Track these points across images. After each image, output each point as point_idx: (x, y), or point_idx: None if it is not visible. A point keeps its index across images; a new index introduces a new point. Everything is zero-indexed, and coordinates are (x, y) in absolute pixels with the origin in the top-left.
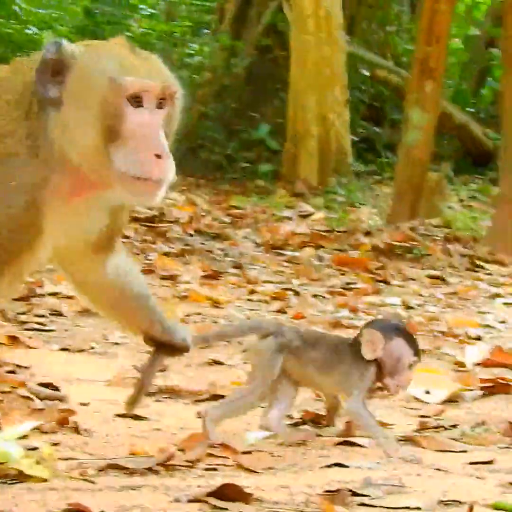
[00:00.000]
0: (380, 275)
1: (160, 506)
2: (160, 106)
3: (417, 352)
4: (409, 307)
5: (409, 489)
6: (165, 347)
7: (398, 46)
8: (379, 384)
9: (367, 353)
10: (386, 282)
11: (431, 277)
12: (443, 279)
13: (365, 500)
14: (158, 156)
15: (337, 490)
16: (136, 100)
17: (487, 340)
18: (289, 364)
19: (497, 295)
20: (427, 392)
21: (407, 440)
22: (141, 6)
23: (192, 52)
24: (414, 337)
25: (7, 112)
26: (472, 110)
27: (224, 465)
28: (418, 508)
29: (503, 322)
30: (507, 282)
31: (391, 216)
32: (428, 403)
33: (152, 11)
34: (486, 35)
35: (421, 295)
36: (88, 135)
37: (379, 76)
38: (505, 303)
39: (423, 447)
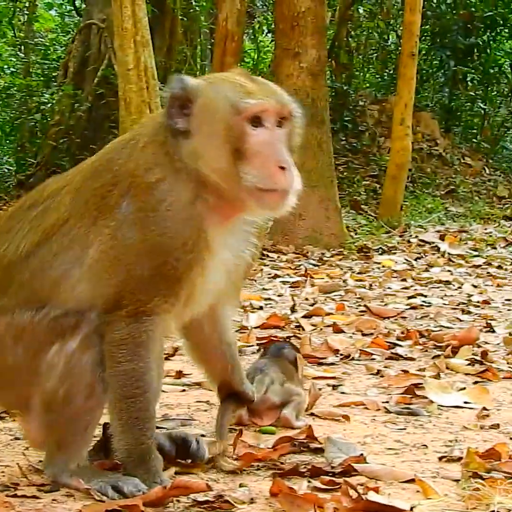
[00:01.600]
0: None
1: None
2: (279, 125)
3: None
4: None
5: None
6: (234, 397)
7: None
8: None
9: None
10: None
11: None
12: None
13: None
14: (282, 169)
15: None
16: (256, 121)
17: (267, 309)
18: None
19: (277, 276)
20: None
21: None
22: (5, 66)
23: (45, 100)
24: None
25: (148, 150)
26: None
27: None
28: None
29: (280, 295)
30: (285, 266)
31: None
32: None
33: (13, 69)
34: None
35: None
36: (218, 158)
37: None
38: (282, 281)
39: (211, 390)
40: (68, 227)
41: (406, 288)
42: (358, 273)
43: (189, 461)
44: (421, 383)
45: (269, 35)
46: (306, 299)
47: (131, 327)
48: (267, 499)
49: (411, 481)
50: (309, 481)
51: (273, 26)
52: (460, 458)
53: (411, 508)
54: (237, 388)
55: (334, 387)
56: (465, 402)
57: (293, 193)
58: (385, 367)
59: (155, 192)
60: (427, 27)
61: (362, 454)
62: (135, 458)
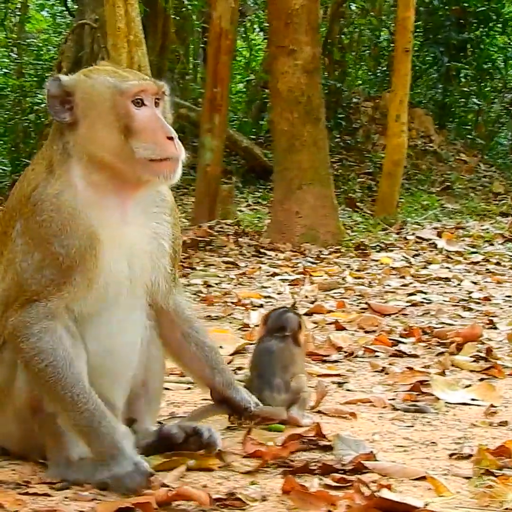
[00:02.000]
0: (187, 263)
1: None
2: (156, 104)
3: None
4: (209, 286)
5: None
6: (225, 404)
7: (195, 90)
8: None
9: None
10: (192, 268)
11: (226, 263)
12: (235, 264)
13: None
14: (170, 139)
15: None
16: (138, 100)
17: (268, 307)
18: None
19: (275, 274)
20: (220, 347)
21: None
22: None
23: (38, 100)
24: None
25: (31, 170)
26: (254, 137)
27: None
28: None
29: (279, 293)
30: (283, 264)
31: (194, 219)
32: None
33: (6, 70)
34: (260, 80)
35: (218, 276)
36: (109, 137)
37: (182, 113)
38: (281, 279)
39: None
40: None
41: (405, 285)
42: (357, 270)
43: (202, 451)
44: (427, 380)
45: (261, 33)
46: (306, 296)
47: (24, 313)
48: (279, 496)
49: (422, 478)
50: (320, 479)
51: (265, 24)
52: (470, 456)
53: (425, 505)
54: (224, 393)
55: (339, 384)
56: (472, 399)
57: (182, 160)
58: (390, 364)
59: (32, 199)
60: (419, 23)
61: (372, 452)
62: (84, 436)
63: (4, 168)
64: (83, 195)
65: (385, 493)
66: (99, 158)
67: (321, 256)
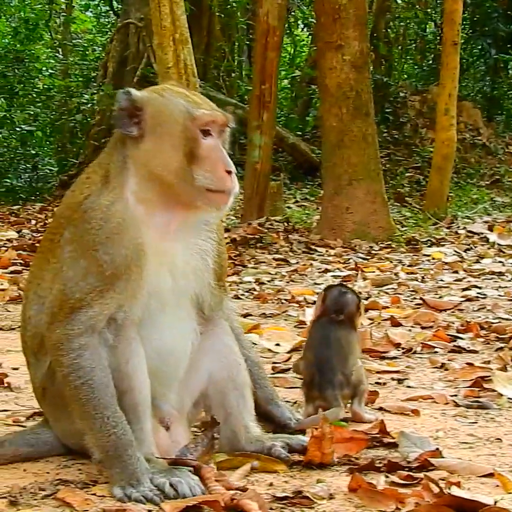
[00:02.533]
0: (238, 260)
1: None
2: (220, 134)
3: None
4: (261, 283)
5: None
6: (266, 418)
7: (241, 87)
8: None
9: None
10: (243, 265)
11: (276, 259)
12: (286, 261)
13: None
14: (229, 172)
15: None
16: (206, 129)
17: None
18: None
19: (327, 270)
20: (277, 345)
21: None
22: (43, 68)
23: (84, 100)
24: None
25: (85, 178)
26: (300, 133)
27: None
28: None
29: None
30: (334, 260)
31: (244, 216)
32: (278, 353)
33: (51, 71)
34: (306, 76)
35: (270, 273)
36: (172, 158)
37: (228, 111)
38: (333, 276)
39: (277, 386)
40: (33, 276)
41: (458, 280)
42: (409, 265)
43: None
44: (488, 376)
45: (305, 29)
46: (360, 292)
47: (67, 325)
48: (346, 494)
49: (490, 475)
50: (386, 476)
51: (310, 19)
52: None
53: (494, 503)
54: (264, 408)
55: (400, 381)
56: None
57: (235, 194)
58: (449, 360)
59: (83, 206)
60: (466, 15)
61: (437, 448)
62: (105, 458)
63: (51, 168)
64: (133, 209)
65: (455, 491)
66: (158, 176)
67: (372, 251)
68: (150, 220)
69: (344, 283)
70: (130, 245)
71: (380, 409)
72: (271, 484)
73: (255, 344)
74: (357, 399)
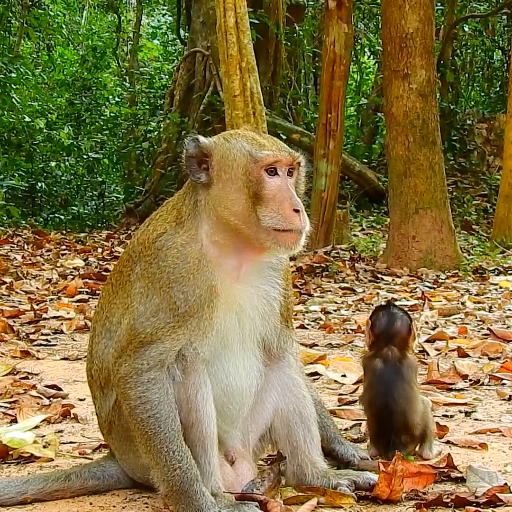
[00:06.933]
0: (304, 289)
1: None
2: (289, 174)
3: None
4: (327, 312)
5: None
6: (330, 456)
7: (307, 115)
8: None
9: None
10: (309, 294)
11: (343, 288)
12: (352, 290)
13: None
14: (296, 211)
15: None
16: (271, 170)
17: None
18: None
19: (394, 300)
20: (344, 376)
21: (331, 413)
22: (110, 96)
23: (151, 128)
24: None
25: (158, 216)
26: (366, 160)
27: None
28: None
29: None
30: (401, 289)
31: (310, 244)
32: (344, 384)
33: (118, 99)
34: (372, 103)
35: (336, 302)
36: (238, 202)
37: (294, 139)
38: (400, 305)
39: (342, 418)
40: (101, 308)
41: None
42: (476, 295)
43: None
44: None
45: (372, 56)
46: (426, 322)
47: (137, 359)
48: None
49: None
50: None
51: (376, 47)
52: None
53: None
54: (328, 446)
55: (467, 413)
56: None
57: (306, 233)
58: None
59: (157, 243)
60: None
61: (506, 484)
62: (170, 493)
63: (118, 195)
64: (207, 250)
65: None
66: (226, 220)
67: (439, 280)
68: (223, 262)
69: (392, 302)
70: (204, 286)
71: (448, 442)
72: None
73: (321, 374)
74: (426, 445)
